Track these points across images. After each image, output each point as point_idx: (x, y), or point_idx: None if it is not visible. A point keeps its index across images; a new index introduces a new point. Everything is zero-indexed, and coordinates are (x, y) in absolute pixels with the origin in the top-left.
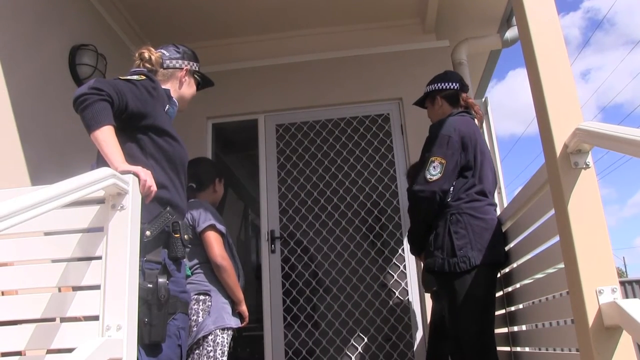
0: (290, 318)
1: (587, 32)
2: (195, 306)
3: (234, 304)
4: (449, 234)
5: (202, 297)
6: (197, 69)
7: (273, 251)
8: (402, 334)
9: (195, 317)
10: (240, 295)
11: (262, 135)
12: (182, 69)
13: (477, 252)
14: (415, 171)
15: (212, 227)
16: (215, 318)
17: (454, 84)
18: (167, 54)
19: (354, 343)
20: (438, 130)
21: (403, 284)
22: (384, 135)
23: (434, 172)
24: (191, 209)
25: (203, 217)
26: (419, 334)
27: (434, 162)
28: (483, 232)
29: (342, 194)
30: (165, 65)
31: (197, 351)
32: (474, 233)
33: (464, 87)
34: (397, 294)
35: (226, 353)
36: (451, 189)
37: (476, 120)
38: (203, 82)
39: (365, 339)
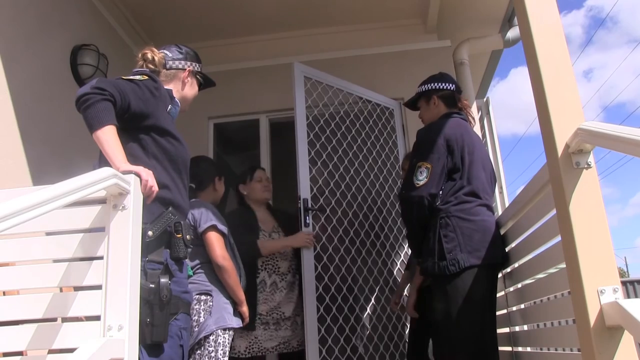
0: (323, 309)
1: (590, 31)
2: (197, 306)
3: (235, 304)
4: (438, 237)
5: (203, 297)
6: (199, 70)
7: (307, 225)
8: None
9: (196, 317)
10: (241, 295)
11: (263, 135)
12: (185, 69)
13: (467, 254)
14: (405, 176)
15: (213, 227)
16: (216, 318)
17: (451, 85)
18: (170, 55)
19: (377, 341)
20: (424, 135)
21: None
22: (390, 130)
23: (420, 177)
24: (192, 209)
25: (204, 218)
26: None
27: (420, 167)
28: (473, 234)
29: (362, 178)
30: (168, 66)
31: (198, 351)
32: (463, 235)
33: (459, 89)
34: (405, 292)
35: (227, 353)
36: (440, 192)
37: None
38: (205, 83)
39: (385, 337)
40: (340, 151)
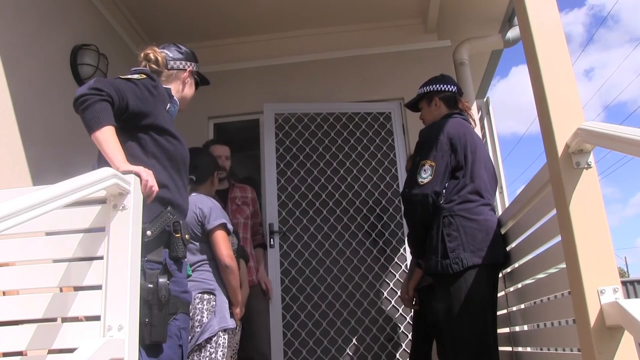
0: (290, 317)
1: (591, 29)
2: (199, 305)
3: (230, 304)
4: (441, 236)
5: (206, 296)
6: (197, 70)
7: (272, 246)
8: (405, 334)
9: (199, 317)
10: (239, 297)
11: (263, 134)
12: (186, 70)
13: (470, 254)
14: (408, 175)
15: (223, 226)
16: (219, 319)
17: (452, 87)
18: (171, 55)
19: (355, 343)
20: (427, 134)
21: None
22: (385, 134)
23: (424, 175)
24: (200, 203)
25: (214, 215)
26: None
27: (424, 165)
28: (476, 233)
29: (343, 190)
30: (169, 67)
31: (197, 352)
32: (467, 234)
33: (460, 91)
34: (399, 293)
35: (226, 354)
36: (443, 191)
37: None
38: (201, 82)
39: (368, 339)
40: (322, 162)
